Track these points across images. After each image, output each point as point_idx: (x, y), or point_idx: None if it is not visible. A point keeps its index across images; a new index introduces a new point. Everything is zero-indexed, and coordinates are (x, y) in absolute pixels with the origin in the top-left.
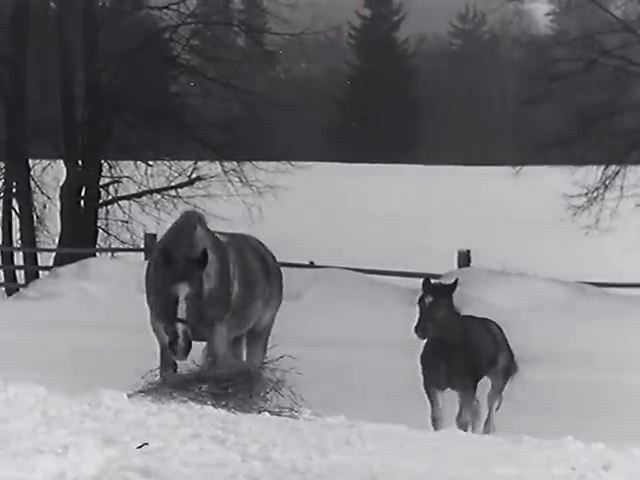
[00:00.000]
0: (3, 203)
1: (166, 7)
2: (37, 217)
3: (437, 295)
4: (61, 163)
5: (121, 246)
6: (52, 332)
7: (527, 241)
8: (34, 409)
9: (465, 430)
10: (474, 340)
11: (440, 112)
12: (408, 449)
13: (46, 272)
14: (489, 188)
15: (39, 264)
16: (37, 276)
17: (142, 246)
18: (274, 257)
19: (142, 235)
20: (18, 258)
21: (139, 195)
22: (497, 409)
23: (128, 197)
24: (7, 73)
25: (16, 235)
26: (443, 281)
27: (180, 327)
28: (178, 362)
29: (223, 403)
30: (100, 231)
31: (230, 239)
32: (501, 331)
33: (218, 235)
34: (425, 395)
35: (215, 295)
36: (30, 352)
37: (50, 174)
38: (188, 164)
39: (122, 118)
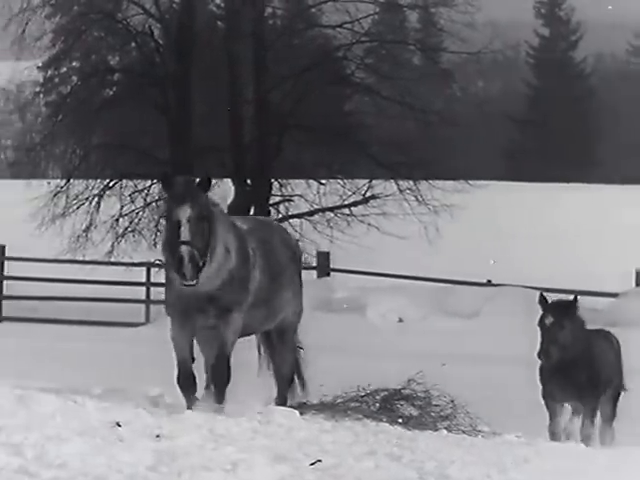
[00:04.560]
0: None
1: (339, 26)
2: None
3: (558, 315)
4: (228, 182)
5: None
6: None
7: None
8: (202, 426)
9: (588, 444)
10: (599, 355)
11: (617, 131)
12: (584, 467)
13: None
14: None
15: None
16: None
17: (314, 264)
18: (298, 245)
19: (314, 253)
20: None
21: (311, 213)
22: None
23: (300, 215)
24: (172, 93)
25: None
26: (563, 298)
27: (184, 249)
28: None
29: (399, 420)
30: None
31: (253, 226)
32: (619, 344)
33: (240, 223)
34: (544, 407)
35: (236, 276)
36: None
37: (217, 193)
38: (362, 182)
39: (293, 137)
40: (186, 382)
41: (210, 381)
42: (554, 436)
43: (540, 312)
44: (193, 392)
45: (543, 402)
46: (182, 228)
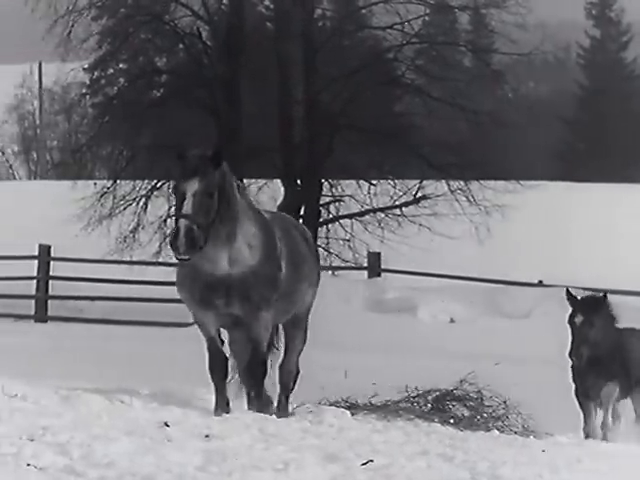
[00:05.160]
0: None
1: (390, 27)
2: None
3: (588, 312)
4: (278, 182)
5: (342, 264)
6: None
7: None
8: (251, 426)
9: (606, 434)
10: (632, 354)
11: None
12: (636, 468)
13: None
14: None
15: None
16: None
17: (365, 264)
18: (311, 235)
19: (365, 254)
20: None
21: (362, 214)
22: None
23: (350, 216)
24: (222, 94)
25: None
26: (592, 294)
27: (182, 222)
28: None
29: (451, 421)
30: (320, 249)
31: (272, 216)
32: None
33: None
34: (577, 406)
35: (261, 272)
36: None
37: (267, 193)
38: (412, 183)
39: (343, 137)
40: (217, 363)
41: (243, 384)
42: (589, 436)
43: (570, 311)
44: (224, 377)
45: (576, 402)
46: (185, 201)
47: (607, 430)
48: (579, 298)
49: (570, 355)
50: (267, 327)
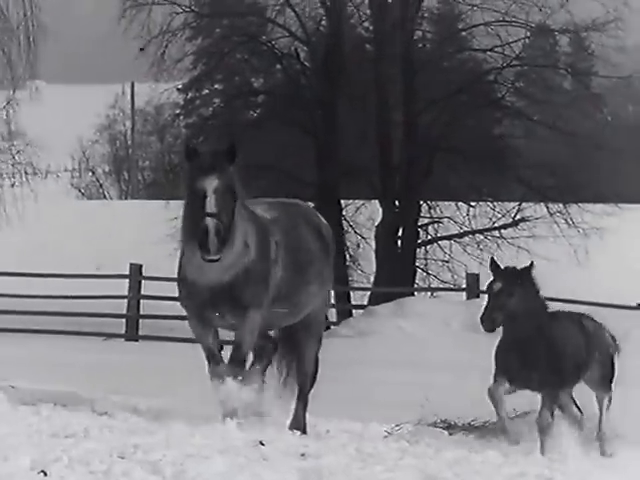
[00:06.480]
0: None
1: (490, 49)
2: (350, 256)
3: (508, 281)
4: (376, 203)
5: (441, 285)
6: (363, 369)
7: None
8: (348, 445)
9: (544, 434)
10: (561, 340)
11: None
12: None
13: (359, 310)
14: None
15: (352, 303)
16: (350, 314)
17: (464, 286)
18: (330, 229)
19: (464, 275)
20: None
21: (461, 235)
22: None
23: (449, 237)
24: (320, 114)
25: None
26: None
27: (210, 221)
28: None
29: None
30: (419, 270)
31: (278, 215)
32: (599, 328)
33: (262, 211)
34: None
35: (253, 269)
36: (341, 388)
37: (364, 214)
38: (511, 205)
39: (442, 159)
40: (216, 370)
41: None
42: (503, 430)
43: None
44: (223, 380)
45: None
46: (208, 199)
47: (545, 425)
48: (500, 266)
49: (481, 321)
50: (253, 330)
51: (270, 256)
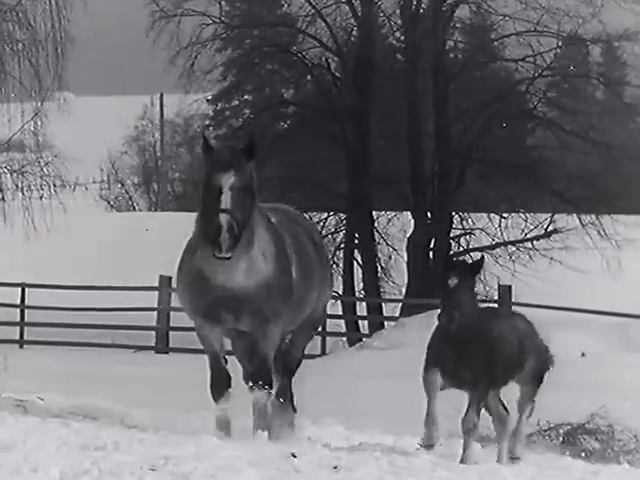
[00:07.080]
0: (345, 254)
1: (522, 59)
2: (382, 268)
3: (463, 276)
4: (407, 215)
5: None
6: (395, 381)
7: None
8: (380, 458)
9: (468, 436)
10: (494, 336)
11: None
12: None
13: (391, 322)
14: None
15: (384, 314)
16: (382, 326)
17: (496, 297)
18: (320, 233)
19: (496, 286)
20: (361, 308)
21: (493, 247)
22: (528, 417)
23: (481, 249)
24: (351, 125)
25: (358, 285)
26: (467, 259)
27: (224, 217)
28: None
29: (582, 454)
30: None
31: (281, 219)
32: (532, 329)
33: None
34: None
35: (275, 284)
36: (374, 401)
37: (396, 225)
38: (544, 216)
39: (474, 170)
40: (219, 380)
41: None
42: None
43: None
44: (224, 393)
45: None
46: (223, 195)
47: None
48: (456, 261)
49: (440, 318)
50: (275, 343)
51: (289, 267)
